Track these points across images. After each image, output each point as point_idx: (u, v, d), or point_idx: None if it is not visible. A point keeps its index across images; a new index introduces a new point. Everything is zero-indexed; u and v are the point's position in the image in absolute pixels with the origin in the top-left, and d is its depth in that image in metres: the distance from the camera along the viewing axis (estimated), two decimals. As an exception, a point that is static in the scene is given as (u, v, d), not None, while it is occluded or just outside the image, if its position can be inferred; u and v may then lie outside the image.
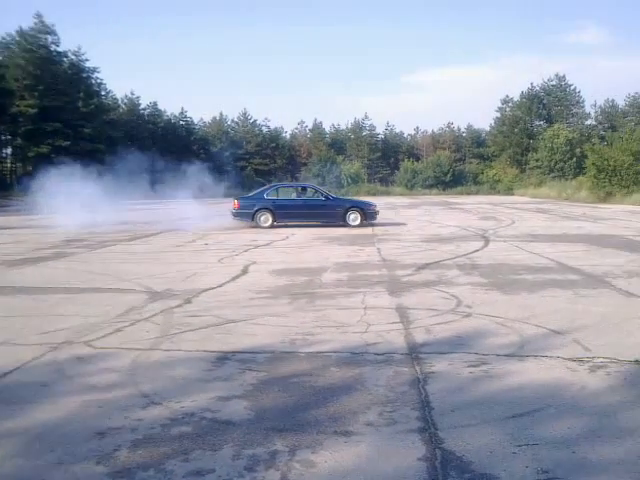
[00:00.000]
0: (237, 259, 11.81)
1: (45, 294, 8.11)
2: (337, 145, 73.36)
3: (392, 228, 19.46)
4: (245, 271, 10.18)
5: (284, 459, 3.26)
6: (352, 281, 9.08)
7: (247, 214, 19.88)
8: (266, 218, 19.67)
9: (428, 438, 3.52)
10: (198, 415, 3.86)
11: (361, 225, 19.67)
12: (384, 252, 12.74)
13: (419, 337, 5.75)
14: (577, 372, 4.64)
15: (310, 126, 77.30)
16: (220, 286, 8.65)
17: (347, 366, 4.87)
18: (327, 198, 20.60)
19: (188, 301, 7.56)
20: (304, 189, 21.87)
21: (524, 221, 21.88)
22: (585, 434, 3.54)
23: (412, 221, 22.83)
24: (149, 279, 9.29)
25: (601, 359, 4.96)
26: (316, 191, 21.41)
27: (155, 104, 68.91)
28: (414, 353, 5.22)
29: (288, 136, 76.38)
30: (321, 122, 77.28)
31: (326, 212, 20.22)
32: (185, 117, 71.95)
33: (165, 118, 69.56)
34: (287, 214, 20.10)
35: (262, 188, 22.98)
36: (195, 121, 73.40)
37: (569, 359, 4.97)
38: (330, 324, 6.30)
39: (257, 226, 19.45)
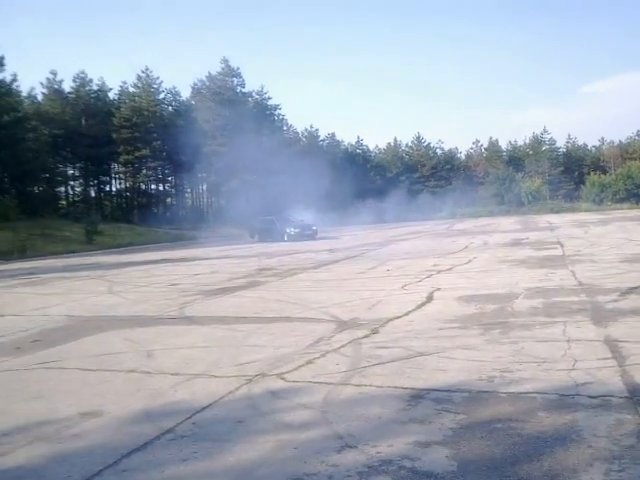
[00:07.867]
0: (420, 285, 11.48)
1: (239, 324, 8.43)
2: (514, 162, 70.26)
3: (583, 247, 17.92)
4: (430, 298, 9.82)
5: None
6: (548, 309, 8.33)
7: None
8: None
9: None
10: (396, 463, 3.59)
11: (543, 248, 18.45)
12: (579, 275, 11.63)
13: (639, 377, 5.01)
14: None
15: (485, 145, 74.92)
16: (406, 314, 8.39)
17: (557, 410, 4.33)
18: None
19: (375, 331, 7.39)
20: None
21: None
22: None
23: (605, 239, 20.88)
24: (334, 307, 9.30)
25: None
26: None
27: (333, 135, 71.29)
28: (636, 397, 4.53)
29: (463, 156, 74.75)
30: (497, 140, 74.65)
31: None
32: (361, 145, 73.50)
33: (342, 148, 71.60)
34: None
35: None
36: (371, 149, 74.66)
37: None
38: (529, 359, 5.74)
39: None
